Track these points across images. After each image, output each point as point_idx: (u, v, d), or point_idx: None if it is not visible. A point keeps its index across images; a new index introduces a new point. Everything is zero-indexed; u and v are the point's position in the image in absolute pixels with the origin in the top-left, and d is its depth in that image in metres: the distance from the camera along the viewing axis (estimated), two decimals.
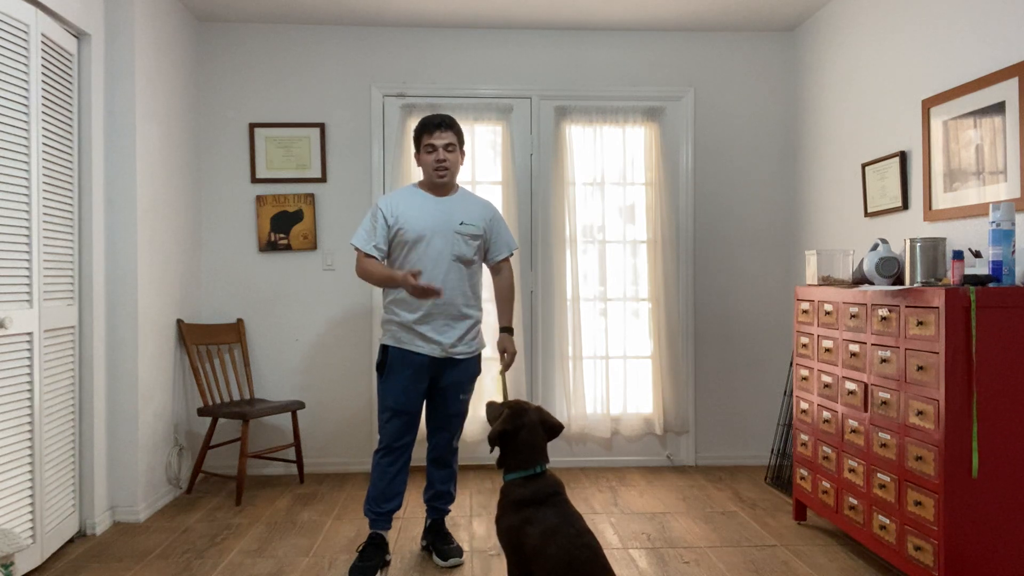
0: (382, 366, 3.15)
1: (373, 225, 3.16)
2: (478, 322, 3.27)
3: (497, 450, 2.59)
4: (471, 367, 3.25)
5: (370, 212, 3.21)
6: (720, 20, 4.58)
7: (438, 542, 3.23)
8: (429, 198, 3.20)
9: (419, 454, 4.51)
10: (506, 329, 3.31)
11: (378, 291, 4.62)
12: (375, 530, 3.16)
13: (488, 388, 4.66)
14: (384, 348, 3.16)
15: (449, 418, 3.24)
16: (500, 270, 3.34)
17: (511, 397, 4.60)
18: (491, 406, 2.65)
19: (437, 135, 3.14)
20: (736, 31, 4.77)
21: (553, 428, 2.54)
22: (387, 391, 3.13)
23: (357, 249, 3.17)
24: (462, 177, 4.61)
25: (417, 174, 4.56)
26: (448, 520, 3.73)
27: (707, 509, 3.89)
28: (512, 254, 3.36)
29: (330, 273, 4.64)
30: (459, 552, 3.20)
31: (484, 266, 3.36)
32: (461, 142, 3.23)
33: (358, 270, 3.17)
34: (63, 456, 3.33)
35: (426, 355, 3.12)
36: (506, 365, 3.24)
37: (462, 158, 3.25)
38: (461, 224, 3.16)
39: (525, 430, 2.46)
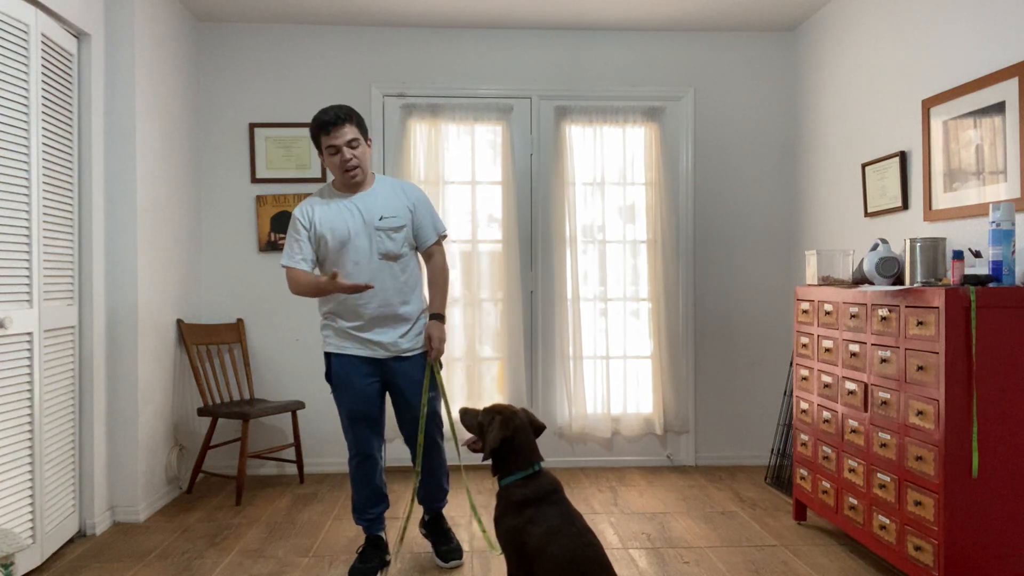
0: (330, 375, 3.06)
1: (296, 239, 2.99)
2: (422, 316, 3.12)
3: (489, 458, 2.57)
4: (423, 361, 3.10)
5: (290, 226, 3.01)
6: (720, 20, 4.58)
7: (439, 542, 3.21)
8: (345, 198, 3.01)
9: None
10: (436, 316, 3.08)
11: None
12: (370, 533, 3.14)
13: (488, 388, 4.67)
14: (328, 356, 3.06)
15: (417, 420, 3.08)
16: (431, 255, 3.14)
17: (508, 394, 4.60)
18: (466, 413, 2.58)
19: (336, 134, 2.88)
20: (736, 31, 4.77)
21: (538, 428, 2.55)
22: (341, 399, 3.04)
23: (289, 269, 2.98)
24: (463, 176, 4.64)
25: (418, 173, 4.57)
26: (448, 520, 3.73)
27: (707, 509, 3.89)
28: (444, 236, 3.16)
29: None
30: (459, 553, 3.19)
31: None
32: (364, 131, 2.98)
33: (291, 288, 2.97)
34: (63, 456, 3.33)
35: (370, 358, 3.02)
36: (437, 353, 3.06)
37: (369, 145, 3.01)
38: (380, 219, 2.98)
39: (519, 433, 2.46)
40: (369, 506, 3.11)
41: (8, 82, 2.92)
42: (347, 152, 2.91)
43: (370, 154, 3.04)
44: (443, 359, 3.22)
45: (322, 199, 3.04)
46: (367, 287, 2.82)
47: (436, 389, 3.14)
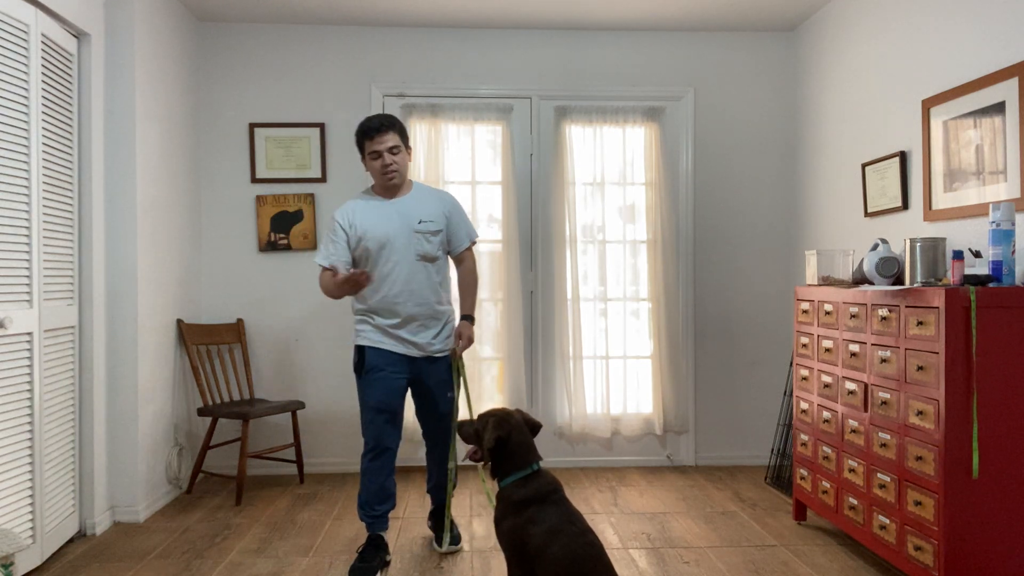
0: (359, 367, 3.17)
1: (332, 239, 3.15)
2: (451, 317, 3.30)
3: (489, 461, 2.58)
4: (449, 362, 3.30)
5: (328, 227, 3.19)
6: (720, 20, 4.58)
7: (439, 528, 3.34)
8: (384, 202, 3.18)
9: (411, 454, 4.54)
10: (466, 317, 3.30)
11: None
12: (373, 532, 3.18)
13: (488, 388, 4.67)
14: (360, 349, 3.17)
15: (441, 417, 3.29)
16: (463, 260, 3.34)
17: (507, 394, 4.60)
18: (463, 425, 2.63)
19: (379, 140, 3.08)
20: (736, 31, 4.77)
21: (535, 427, 2.58)
22: (367, 391, 3.14)
23: (324, 268, 3.10)
24: (463, 176, 4.64)
25: (418, 173, 4.57)
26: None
27: (707, 509, 3.89)
28: (474, 243, 3.35)
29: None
30: (457, 539, 3.30)
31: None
32: (405, 139, 3.18)
33: (320, 287, 3.12)
34: (63, 456, 3.33)
35: (403, 354, 3.16)
36: (461, 349, 3.26)
37: (409, 154, 3.21)
38: (420, 223, 3.16)
39: (515, 432, 2.48)
40: (376, 502, 3.17)
41: (8, 82, 2.92)
42: (388, 157, 3.10)
43: (410, 159, 3.22)
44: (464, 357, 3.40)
45: (363, 202, 3.20)
46: (366, 277, 2.91)
47: (461, 386, 3.33)
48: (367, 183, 4.64)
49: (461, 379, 3.26)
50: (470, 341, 3.26)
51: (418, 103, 4.61)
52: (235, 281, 4.63)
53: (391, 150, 3.10)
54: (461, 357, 3.28)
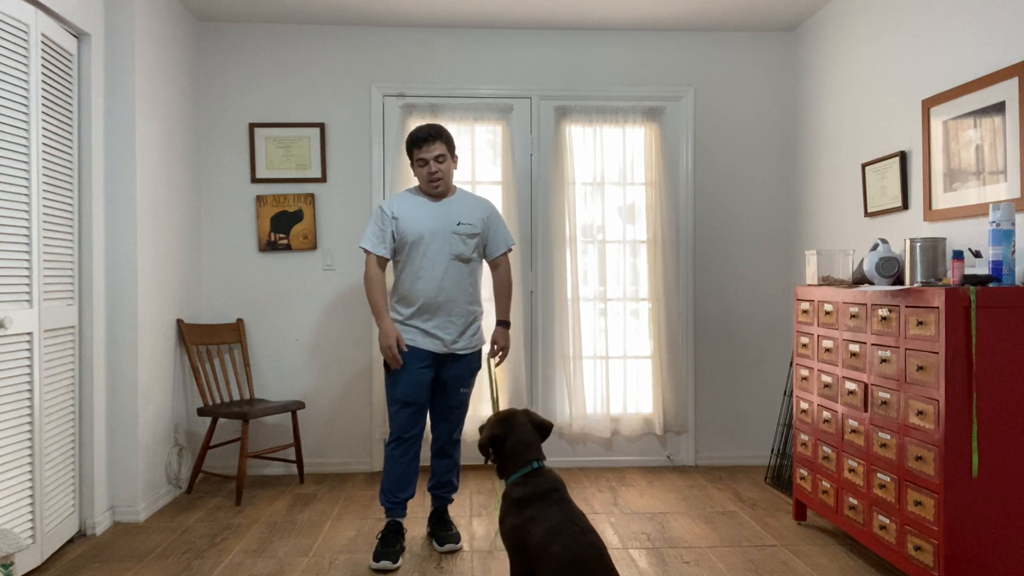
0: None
1: (380, 228, 3.30)
2: (478, 318, 3.41)
3: (494, 461, 2.61)
4: (472, 362, 3.40)
5: (375, 215, 3.33)
6: (720, 20, 4.58)
7: (438, 529, 3.38)
8: (428, 202, 3.33)
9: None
10: (502, 323, 3.44)
11: None
12: (392, 518, 3.29)
13: (488, 389, 4.66)
14: None
15: (451, 410, 3.39)
16: (498, 266, 3.46)
17: (507, 394, 4.60)
18: (482, 426, 2.68)
19: (426, 148, 3.24)
20: (736, 31, 4.77)
21: (542, 426, 2.58)
22: (394, 384, 3.27)
23: (368, 252, 3.29)
24: (462, 177, 4.64)
25: None
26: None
27: (707, 509, 3.89)
28: (510, 250, 3.47)
29: (330, 273, 4.64)
30: (456, 538, 3.33)
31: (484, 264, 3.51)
32: (452, 148, 3.32)
33: (366, 276, 3.28)
34: (63, 456, 3.33)
35: (429, 350, 3.27)
36: (500, 358, 3.41)
37: (455, 162, 3.36)
38: (458, 224, 3.29)
39: (515, 431, 2.49)
40: (398, 489, 3.28)
41: (8, 82, 2.92)
42: (433, 166, 3.26)
43: (455, 168, 3.36)
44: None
45: (410, 197, 3.36)
46: (397, 364, 3.19)
47: (474, 387, 3.52)
48: (366, 183, 4.65)
49: (493, 381, 3.35)
50: (506, 351, 3.41)
51: (418, 103, 4.60)
52: (235, 281, 4.63)
53: (437, 159, 3.25)
54: (493, 364, 3.38)
